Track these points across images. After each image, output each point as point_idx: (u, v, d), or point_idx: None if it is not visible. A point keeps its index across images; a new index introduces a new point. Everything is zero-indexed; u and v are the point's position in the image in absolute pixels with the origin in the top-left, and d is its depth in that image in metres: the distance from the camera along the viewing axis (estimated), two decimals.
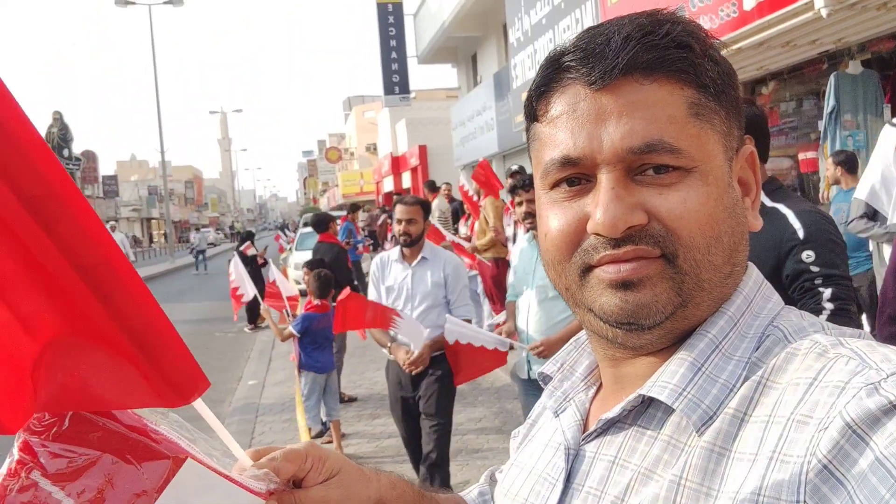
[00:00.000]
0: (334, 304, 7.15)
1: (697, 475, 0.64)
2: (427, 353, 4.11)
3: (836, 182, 5.76)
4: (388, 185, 29.06)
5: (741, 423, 0.64)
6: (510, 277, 4.17)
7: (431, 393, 4.19)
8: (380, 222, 16.41)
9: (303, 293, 7.01)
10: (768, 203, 2.36)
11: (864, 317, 5.23)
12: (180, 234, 65.11)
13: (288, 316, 6.29)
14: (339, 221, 12.71)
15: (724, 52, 0.75)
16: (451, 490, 1.12)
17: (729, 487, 0.61)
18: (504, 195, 8.57)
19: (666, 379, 0.69)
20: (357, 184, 37.58)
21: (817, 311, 2.18)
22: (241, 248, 12.40)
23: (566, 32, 9.19)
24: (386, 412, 5.85)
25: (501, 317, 4.92)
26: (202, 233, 34.46)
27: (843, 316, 2.18)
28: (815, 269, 2.23)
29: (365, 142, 39.18)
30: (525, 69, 11.03)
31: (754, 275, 0.76)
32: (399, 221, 4.29)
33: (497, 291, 8.39)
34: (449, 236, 9.40)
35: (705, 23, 5.58)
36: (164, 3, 29.02)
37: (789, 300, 2.03)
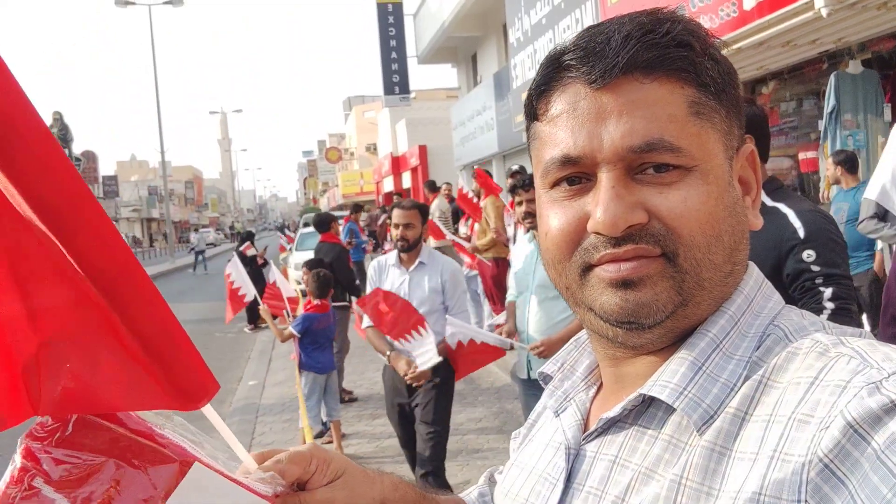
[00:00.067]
0: (333, 304, 7.19)
1: (698, 474, 0.63)
2: (430, 370, 4.04)
3: (837, 182, 5.76)
4: (389, 185, 29.06)
5: (742, 422, 0.64)
6: (510, 277, 4.17)
7: (429, 401, 4.11)
8: (380, 222, 16.40)
9: (303, 293, 7.01)
10: (769, 202, 2.36)
11: (864, 316, 5.22)
12: (180, 234, 65.12)
13: (288, 316, 6.29)
14: (341, 222, 12.70)
15: (724, 52, 0.75)
16: (450, 491, 1.12)
17: (730, 487, 0.61)
18: (504, 195, 8.57)
19: (667, 378, 0.69)
20: (357, 184, 37.58)
21: (818, 310, 2.18)
22: (241, 249, 12.39)
23: (566, 32, 9.19)
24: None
25: (502, 317, 4.92)
26: (201, 233, 34.52)
27: (844, 315, 2.18)
28: (815, 268, 2.23)
29: (365, 142, 39.18)
30: (525, 69, 11.03)
31: (755, 274, 0.76)
32: (396, 226, 4.23)
33: (497, 291, 8.39)
34: (449, 235, 9.41)
35: (705, 22, 5.57)
36: (164, 3, 29.03)
37: (790, 299, 2.03)
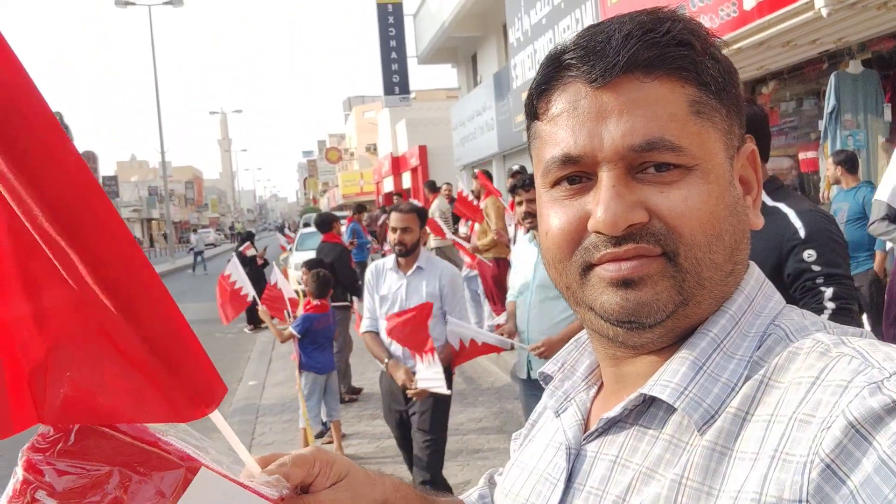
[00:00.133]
0: (335, 303, 7.18)
1: (699, 474, 0.63)
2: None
3: (837, 182, 5.76)
4: (389, 185, 29.07)
5: (743, 422, 0.64)
6: (510, 278, 4.16)
7: (426, 409, 4.04)
8: (380, 222, 16.40)
9: (303, 293, 7.01)
10: (769, 202, 2.36)
11: (864, 316, 5.22)
12: (180, 234, 65.11)
13: (289, 317, 6.29)
14: (344, 222, 12.69)
15: (724, 52, 0.74)
16: (450, 493, 1.12)
17: (731, 487, 0.61)
18: (504, 196, 8.57)
19: (667, 378, 0.69)
20: (357, 184, 37.59)
21: (819, 310, 2.18)
22: (241, 249, 12.38)
23: (566, 32, 9.19)
24: None
25: (502, 317, 4.91)
26: (200, 234, 34.59)
27: (845, 315, 2.18)
28: (816, 268, 2.23)
29: (365, 142, 39.19)
30: (525, 69, 11.03)
31: (756, 273, 0.76)
32: (394, 230, 4.14)
33: (498, 291, 8.38)
34: (449, 235, 9.40)
35: (705, 22, 5.56)
36: (164, 3, 29.04)
37: (791, 299, 2.03)
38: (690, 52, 0.69)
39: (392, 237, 4.17)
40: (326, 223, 8.36)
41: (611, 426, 0.74)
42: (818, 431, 0.57)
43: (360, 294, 7.54)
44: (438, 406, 4.09)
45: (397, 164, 27.94)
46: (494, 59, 16.11)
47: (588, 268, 0.71)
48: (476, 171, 11.57)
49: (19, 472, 0.65)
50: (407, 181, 26.66)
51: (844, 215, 5.47)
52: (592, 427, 0.76)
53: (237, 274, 6.34)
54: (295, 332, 5.82)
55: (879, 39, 6.03)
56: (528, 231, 4.02)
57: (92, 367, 0.66)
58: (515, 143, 13.14)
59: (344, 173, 43.39)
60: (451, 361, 4.10)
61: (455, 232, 10.14)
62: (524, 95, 0.81)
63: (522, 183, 3.82)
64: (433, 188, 12.29)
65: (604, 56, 0.69)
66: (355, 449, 5.99)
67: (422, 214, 4.29)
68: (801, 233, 2.27)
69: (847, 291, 2.23)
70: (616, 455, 0.72)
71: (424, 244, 4.76)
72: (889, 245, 5.23)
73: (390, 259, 4.31)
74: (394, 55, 19.86)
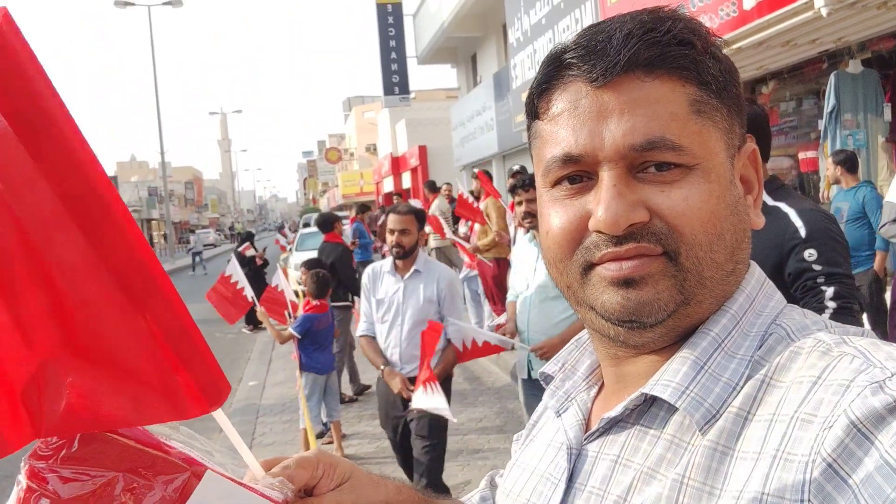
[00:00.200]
0: (337, 303, 7.18)
1: (700, 474, 0.63)
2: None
3: (837, 181, 5.76)
4: (388, 185, 29.07)
5: (745, 421, 0.64)
6: (510, 278, 4.15)
7: (425, 414, 3.96)
8: (380, 222, 16.40)
9: (303, 293, 7.01)
10: (770, 202, 2.36)
11: (864, 316, 5.22)
12: (180, 235, 65.08)
13: (289, 317, 6.29)
14: (346, 222, 12.68)
15: (724, 51, 0.74)
16: (450, 495, 1.11)
17: (732, 486, 0.61)
18: (504, 197, 8.56)
19: (668, 377, 0.69)
20: (357, 184, 37.58)
21: (820, 309, 2.18)
22: (240, 250, 12.38)
23: (566, 32, 9.19)
24: None
25: (502, 318, 4.91)
26: (198, 234, 34.65)
27: (846, 314, 2.18)
28: (817, 267, 2.23)
29: (365, 142, 39.19)
30: (525, 69, 11.03)
31: (756, 273, 0.76)
32: (391, 232, 4.05)
33: (498, 291, 8.38)
34: (449, 235, 9.39)
35: (705, 22, 5.56)
36: (164, 3, 29.04)
37: (791, 299, 2.03)
38: (691, 51, 0.69)
39: (390, 239, 4.10)
40: (328, 223, 8.37)
41: (612, 426, 0.74)
42: (820, 431, 0.57)
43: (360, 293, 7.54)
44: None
45: (397, 164, 27.93)
46: (494, 60, 16.10)
47: (589, 267, 0.71)
48: (476, 170, 11.56)
49: (23, 481, 0.64)
50: (407, 181, 26.66)
51: (844, 215, 5.47)
52: (593, 427, 0.76)
53: (238, 275, 6.34)
54: (295, 333, 5.81)
55: (879, 39, 6.03)
56: (527, 231, 4.02)
57: (93, 370, 0.65)
58: (515, 144, 13.14)
59: (344, 173, 43.38)
60: (454, 363, 4.07)
61: (454, 232, 10.13)
62: (524, 95, 0.81)
63: (522, 183, 3.81)
64: (433, 188, 12.29)
65: (604, 55, 0.69)
66: (355, 449, 5.98)
67: (420, 216, 4.20)
68: (802, 232, 2.27)
69: (848, 291, 2.23)
70: (617, 455, 0.72)
71: (425, 244, 4.73)
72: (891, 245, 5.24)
73: (387, 262, 4.22)
74: (393, 55, 19.86)
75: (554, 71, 0.73)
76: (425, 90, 33.06)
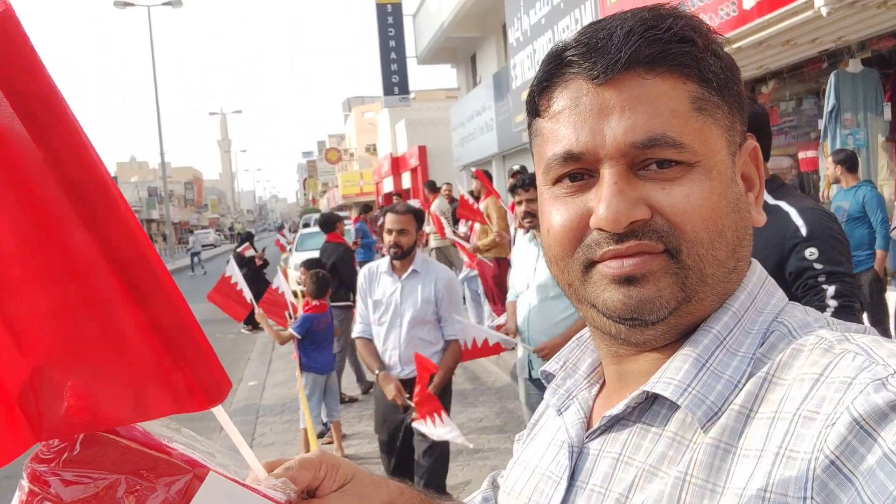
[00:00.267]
0: (338, 303, 7.18)
1: (703, 472, 0.63)
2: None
3: (837, 181, 5.76)
4: (388, 185, 29.05)
5: (747, 419, 0.64)
6: (510, 277, 4.14)
7: None
8: (380, 223, 16.40)
9: (302, 294, 7.01)
10: (771, 200, 2.36)
11: (864, 315, 5.22)
12: (180, 235, 65.05)
13: (289, 318, 6.28)
14: (349, 222, 12.67)
15: (724, 49, 0.74)
16: (450, 497, 1.11)
17: (735, 484, 0.60)
18: (504, 197, 8.56)
19: (670, 375, 0.68)
20: (357, 184, 37.56)
21: (821, 308, 2.18)
22: (240, 250, 12.38)
23: (565, 32, 9.19)
24: None
25: (503, 318, 4.91)
26: (197, 235, 34.69)
27: (847, 313, 2.18)
28: (818, 266, 2.23)
29: (364, 142, 39.18)
30: (524, 69, 11.02)
31: (758, 270, 0.76)
32: (389, 231, 3.98)
33: (498, 291, 8.37)
34: (449, 234, 9.39)
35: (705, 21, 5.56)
36: (164, 4, 29.04)
37: (793, 298, 2.02)
38: (692, 48, 0.69)
39: (387, 239, 4.03)
40: (330, 223, 8.38)
41: (613, 424, 0.74)
42: (822, 428, 0.57)
43: None
44: None
45: (397, 164, 27.92)
46: (494, 60, 16.11)
47: (590, 265, 0.71)
48: (474, 170, 11.55)
49: (25, 484, 0.64)
50: (406, 181, 26.66)
51: (844, 214, 5.48)
52: (595, 425, 0.76)
53: (237, 276, 6.35)
54: (296, 334, 5.81)
55: (879, 38, 6.03)
56: (527, 231, 4.01)
57: (93, 368, 0.65)
58: (515, 144, 13.14)
59: (344, 174, 43.36)
60: (454, 368, 4.04)
61: (454, 232, 10.13)
62: (524, 95, 0.81)
63: (522, 182, 3.80)
64: (433, 188, 12.28)
65: (605, 53, 0.68)
66: (355, 449, 5.98)
67: (418, 216, 4.12)
68: (803, 231, 2.27)
69: (849, 289, 2.23)
70: (619, 453, 0.72)
71: (425, 245, 4.70)
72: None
73: (384, 262, 4.15)
74: (393, 55, 19.85)
75: (555, 68, 0.73)
76: (425, 90, 33.05)
